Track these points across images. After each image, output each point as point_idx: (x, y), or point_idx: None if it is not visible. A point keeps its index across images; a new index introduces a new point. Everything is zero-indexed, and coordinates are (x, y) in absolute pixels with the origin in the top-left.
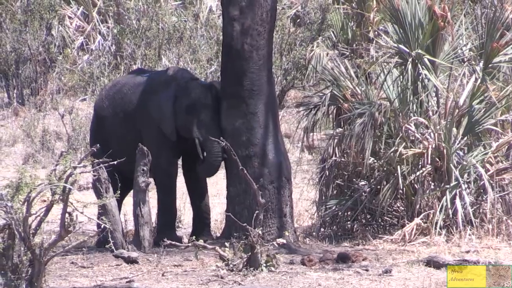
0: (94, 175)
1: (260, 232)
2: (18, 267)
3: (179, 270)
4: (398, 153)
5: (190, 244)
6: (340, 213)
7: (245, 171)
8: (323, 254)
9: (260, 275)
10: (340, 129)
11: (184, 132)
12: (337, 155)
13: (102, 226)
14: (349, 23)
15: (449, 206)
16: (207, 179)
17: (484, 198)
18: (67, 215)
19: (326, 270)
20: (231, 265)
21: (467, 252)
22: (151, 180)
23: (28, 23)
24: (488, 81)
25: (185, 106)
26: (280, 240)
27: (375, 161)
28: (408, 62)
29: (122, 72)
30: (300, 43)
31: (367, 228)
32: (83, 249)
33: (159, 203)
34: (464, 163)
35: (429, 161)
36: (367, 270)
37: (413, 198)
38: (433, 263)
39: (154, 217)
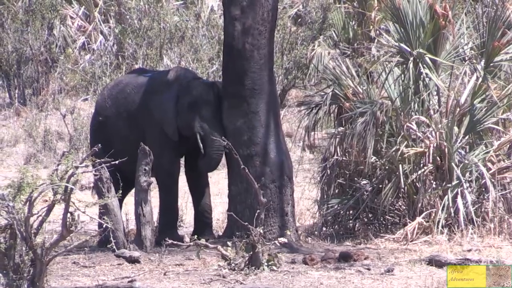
0: (96, 175)
1: (261, 231)
2: (20, 267)
3: (181, 269)
4: (399, 152)
5: (192, 244)
6: (341, 212)
7: (247, 170)
8: (325, 253)
9: (262, 274)
10: (342, 128)
11: (186, 131)
12: (339, 154)
13: (104, 226)
14: (351, 22)
15: (450, 205)
16: (209, 178)
17: (485, 197)
18: (68, 215)
19: (328, 269)
20: (233, 264)
21: (469, 251)
22: (153, 179)
23: (30, 23)
24: (490, 80)
25: (187, 104)
26: (282, 239)
27: (377, 160)
28: (410, 61)
29: (124, 72)
30: (301, 42)
31: (369, 227)
32: (85, 248)
33: (161, 202)
34: (466, 162)
35: (430, 160)
36: (369, 269)
37: (414, 197)
38: (435, 262)
39: (155, 217)
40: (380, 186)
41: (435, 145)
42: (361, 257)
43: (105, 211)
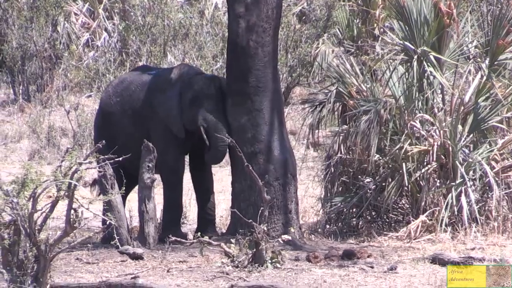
0: (100, 171)
1: (265, 228)
2: (23, 263)
3: (184, 266)
4: (403, 150)
5: (195, 241)
6: (345, 210)
7: (251, 168)
8: (329, 250)
9: (265, 271)
10: (346, 126)
11: (190, 126)
12: (343, 152)
13: (107, 223)
14: (355, 20)
15: (454, 203)
16: (213, 176)
17: (489, 196)
18: (72, 211)
19: (331, 266)
20: (236, 262)
21: (473, 249)
22: (157, 176)
23: (34, 19)
24: (494, 78)
25: (189, 99)
26: (285, 237)
27: (381, 158)
28: (414, 59)
29: (128, 68)
30: (305, 40)
31: (372, 225)
32: (89, 245)
33: (165, 199)
34: (470, 160)
35: (434, 158)
36: (372, 267)
37: (418, 195)
38: (438, 260)
39: (159, 214)
40: (384, 184)
41: (439, 143)
42: (365, 255)
43: (108, 207)
